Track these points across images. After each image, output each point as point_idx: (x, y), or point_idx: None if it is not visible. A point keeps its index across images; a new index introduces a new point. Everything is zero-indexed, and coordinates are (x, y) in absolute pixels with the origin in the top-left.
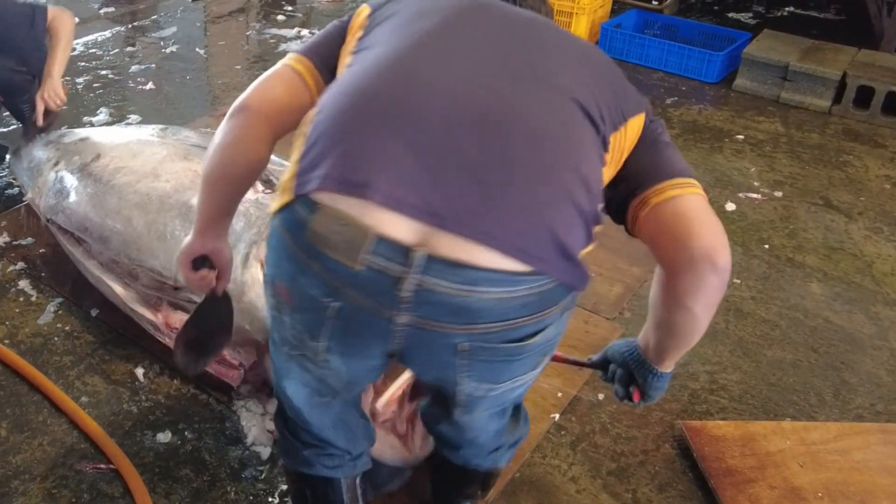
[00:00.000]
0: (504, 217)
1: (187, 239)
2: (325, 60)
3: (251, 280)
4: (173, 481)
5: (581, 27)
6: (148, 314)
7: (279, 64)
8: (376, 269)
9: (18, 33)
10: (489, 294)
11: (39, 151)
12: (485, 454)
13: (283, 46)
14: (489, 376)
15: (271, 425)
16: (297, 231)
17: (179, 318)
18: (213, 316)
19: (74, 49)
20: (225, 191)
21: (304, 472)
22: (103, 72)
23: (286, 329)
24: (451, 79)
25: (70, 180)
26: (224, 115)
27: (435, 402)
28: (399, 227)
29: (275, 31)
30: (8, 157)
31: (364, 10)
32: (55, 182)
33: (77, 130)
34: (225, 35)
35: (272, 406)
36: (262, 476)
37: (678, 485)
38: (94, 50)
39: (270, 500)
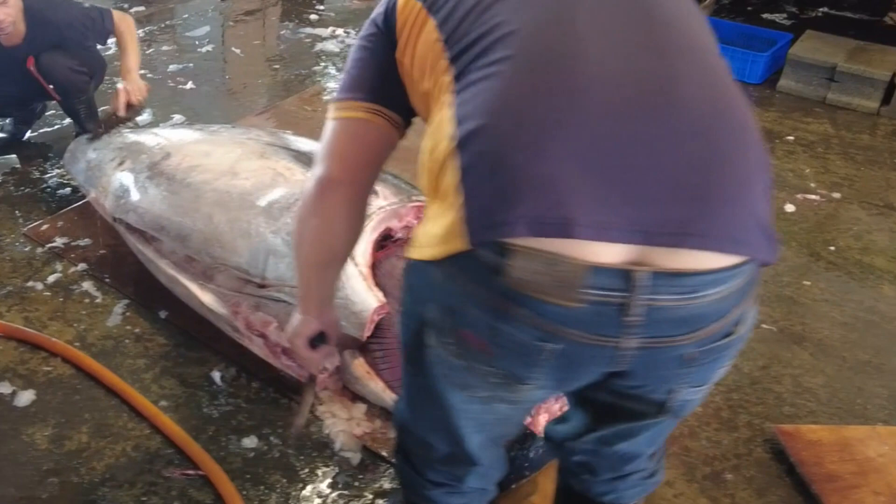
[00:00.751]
0: (713, 213)
1: (297, 318)
2: (375, 90)
3: (344, 275)
4: (266, 487)
5: None
6: (227, 314)
7: (332, 120)
8: (596, 302)
9: (85, 35)
10: (711, 296)
11: (99, 152)
12: (629, 486)
13: (318, 46)
14: (703, 377)
15: (358, 430)
16: (487, 278)
17: (260, 319)
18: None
19: (110, 48)
20: (334, 270)
21: None
22: (142, 71)
23: (474, 376)
24: (600, 68)
25: (139, 179)
26: (265, 114)
27: (592, 422)
28: (609, 252)
29: (309, 30)
30: (65, 155)
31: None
32: (122, 181)
33: (137, 131)
34: (258, 34)
35: (357, 411)
36: (355, 483)
37: (777, 490)
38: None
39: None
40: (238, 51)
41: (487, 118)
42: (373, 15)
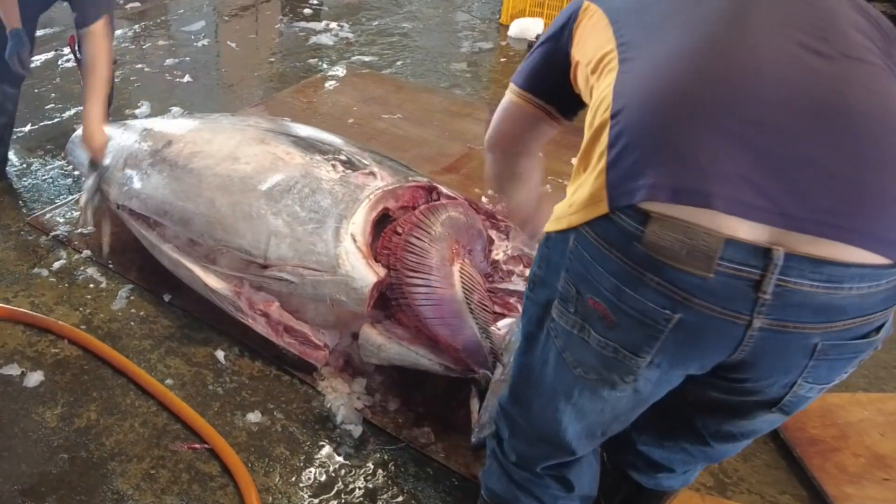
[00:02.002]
0: (869, 210)
1: None
2: (538, 83)
3: (344, 253)
4: (270, 460)
5: None
6: (230, 295)
7: (505, 97)
8: (730, 275)
9: None
10: (854, 290)
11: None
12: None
13: (313, 39)
14: (825, 376)
15: (359, 404)
16: (624, 243)
17: (262, 299)
18: None
19: None
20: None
21: None
22: (139, 65)
23: (589, 349)
24: (769, 61)
25: (142, 166)
26: (260, 106)
27: (678, 421)
28: (747, 230)
29: (303, 24)
30: (67, 146)
31: (588, 7)
32: (125, 169)
33: (139, 121)
34: (252, 29)
35: (357, 385)
36: (357, 455)
37: (762, 454)
38: (125, 44)
39: (367, 475)
40: (234, 45)
41: (643, 93)
42: (559, 15)
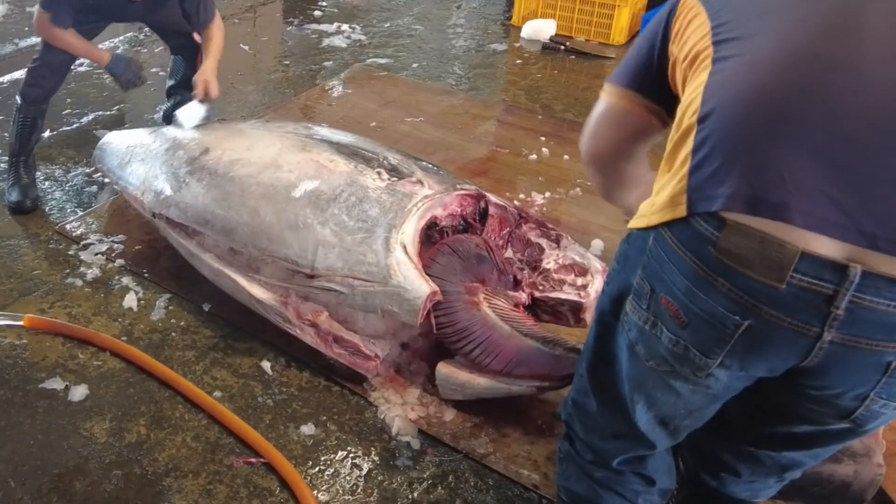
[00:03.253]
0: None
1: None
2: (645, 81)
3: (395, 263)
4: (328, 473)
5: (623, 19)
6: (277, 305)
7: (601, 100)
8: (803, 287)
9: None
10: None
11: (133, 147)
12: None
13: (326, 41)
14: None
15: (413, 415)
16: (699, 247)
17: (311, 309)
18: None
19: (118, 48)
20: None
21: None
22: (154, 69)
23: (661, 344)
24: (871, 74)
25: (179, 174)
26: (281, 110)
27: (759, 423)
28: (824, 245)
29: (315, 26)
30: (95, 152)
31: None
32: (161, 177)
33: (170, 127)
34: (264, 31)
35: (410, 396)
36: (415, 465)
37: None
38: (137, 48)
39: (427, 488)
40: (246, 48)
41: (733, 98)
42: (661, 9)
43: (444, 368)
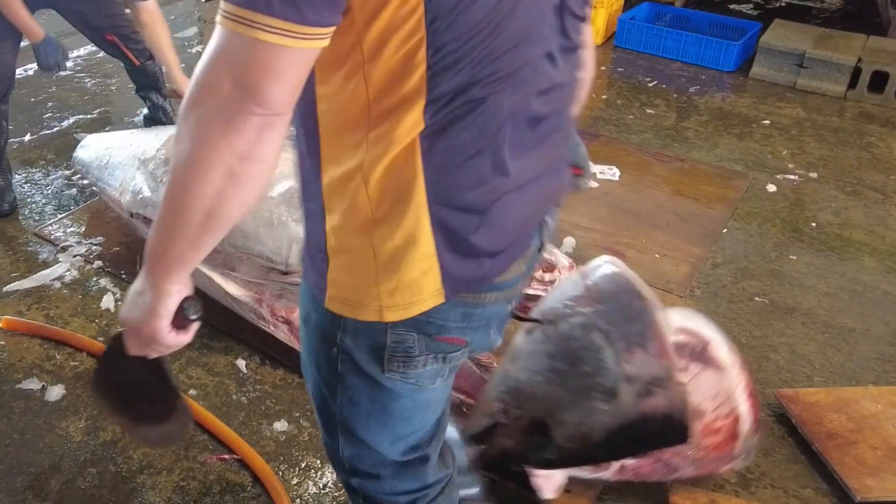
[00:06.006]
0: None
1: (155, 293)
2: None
3: None
4: (300, 468)
5: (600, 20)
6: (251, 303)
7: (284, 39)
8: None
9: None
10: None
11: (112, 149)
12: None
13: None
14: None
15: None
16: None
17: (284, 306)
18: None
19: (98, 54)
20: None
21: None
22: None
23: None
24: None
25: (156, 174)
26: None
27: None
28: None
29: None
30: (75, 154)
31: None
32: (138, 177)
33: (152, 129)
34: None
35: None
36: None
37: (782, 449)
38: None
39: None
40: None
41: None
42: None
43: None
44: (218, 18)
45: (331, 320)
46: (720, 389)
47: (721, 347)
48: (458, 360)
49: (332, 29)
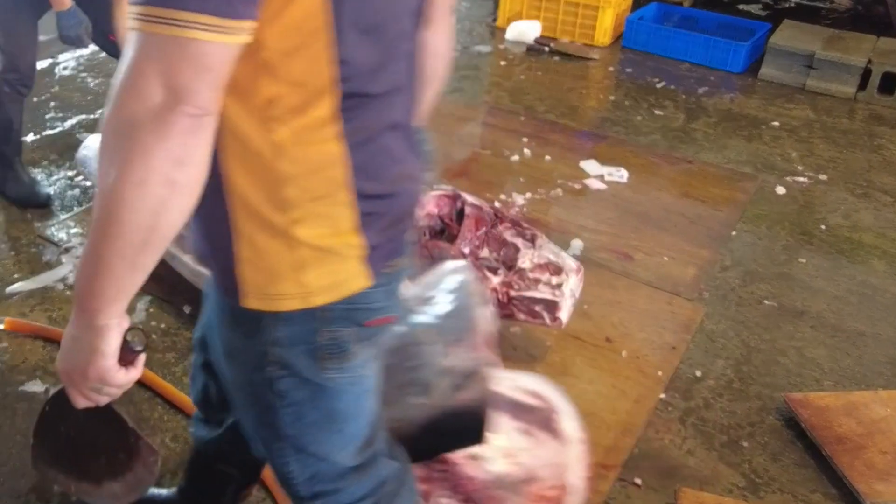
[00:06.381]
0: None
1: (96, 332)
2: None
3: None
4: None
5: (607, 20)
6: None
7: (209, 34)
8: None
9: None
10: None
11: None
12: None
13: None
14: None
15: None
16: None
17: None
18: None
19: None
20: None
21: None
22: None
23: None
24: None
25: None
26: None
27: None
28: None
29: None
30: (78, 154)
31: None
32: None
33: None
34: None
35: None
36: None
37: (790, 454)
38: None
39: None
40: None
41: None
42: None
43: None
44: (133, 24)
45: (258, 337)
46: (557, 461)
47: (568, 421)
48: (387, 342)
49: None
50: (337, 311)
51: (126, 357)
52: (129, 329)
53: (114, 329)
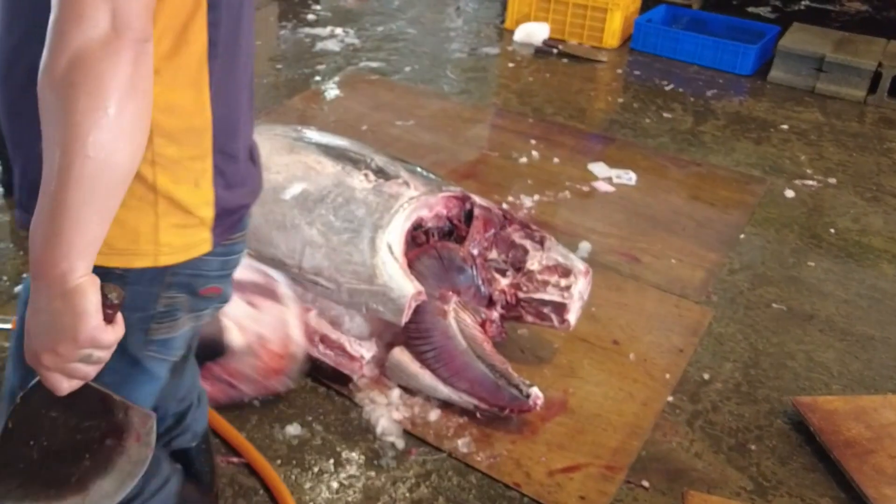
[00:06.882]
0: None
1: (73, 301)
2: None
3: (381, 263)
4: (313, 473)
5: (616, 22)
6: None
7: None
8: None
9: None
10: None
11: None
12: None
13: (319, 45)
14: None
15: (398, 415)
16: None
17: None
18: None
19: None
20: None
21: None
22: None
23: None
24: None
25: None
26: (273, 114)
27: None
28: None
29: (308, 30)
30: None
31: None
32: None
33: None
34: (258, 35)
35: (395, 396)
36: (399, 465)
37: (799, 457)
38: None
39: (410, 487)
40: None
41: None
42: None
43: (398, 354)
44: None
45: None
46: (280, 319)
47: (283, 287)
48: (205, 320)
49: None
50: (179, 279)
51: (106, 315)
52: (103, 285)
53: (89, 286)
